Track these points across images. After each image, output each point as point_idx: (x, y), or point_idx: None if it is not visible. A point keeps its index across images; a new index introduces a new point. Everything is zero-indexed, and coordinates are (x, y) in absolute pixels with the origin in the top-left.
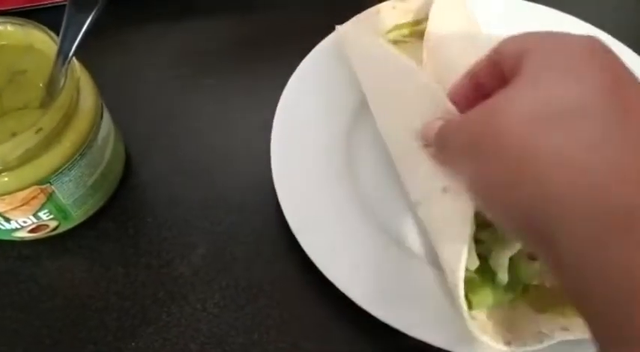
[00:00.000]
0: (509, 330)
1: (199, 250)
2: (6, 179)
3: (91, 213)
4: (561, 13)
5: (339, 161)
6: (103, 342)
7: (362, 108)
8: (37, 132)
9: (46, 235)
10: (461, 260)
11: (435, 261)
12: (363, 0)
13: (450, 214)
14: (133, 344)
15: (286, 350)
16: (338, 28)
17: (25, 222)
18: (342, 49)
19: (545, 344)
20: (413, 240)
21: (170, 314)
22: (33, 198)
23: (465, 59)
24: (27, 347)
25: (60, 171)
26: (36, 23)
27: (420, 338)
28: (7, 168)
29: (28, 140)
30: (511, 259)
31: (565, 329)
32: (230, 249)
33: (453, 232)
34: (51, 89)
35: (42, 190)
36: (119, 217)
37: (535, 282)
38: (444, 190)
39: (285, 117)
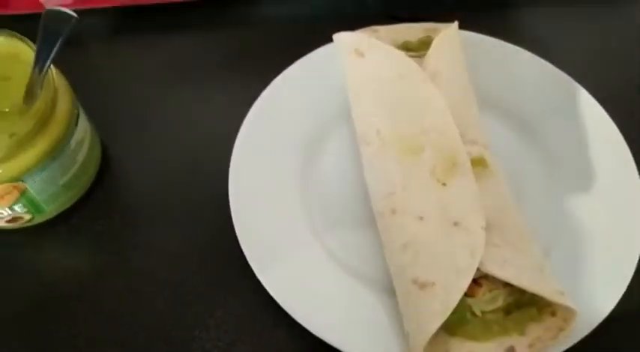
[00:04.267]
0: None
1: (157, 250)
2: None
3: (63, 209)
4: (542, 61)
5: (294, 197)
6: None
7: (319, 139)
8: (10, 136)
9: (22, 226)
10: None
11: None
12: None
13: None
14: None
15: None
16: (340, 36)
17: (1, 213)
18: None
19: None
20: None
21: (123, 304)
22: (7, 193)
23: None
24: None
25: (32, 171)
26: (19, 35)
27: None
28: None
29: (3, 143)
30: None
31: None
32: (187, 251)
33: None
34: (29, 96)
35: (15, 187)
36: (90, 214)
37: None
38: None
39: (246, 140)
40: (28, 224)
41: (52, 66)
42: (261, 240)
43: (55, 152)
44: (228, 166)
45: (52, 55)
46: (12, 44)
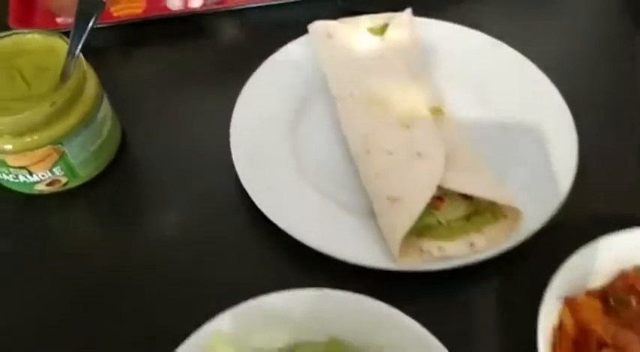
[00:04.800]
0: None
1: (172, 214)
2: (29, 139)
3: (92, 175)
4: (521, 57)
5: (289, 143)
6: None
7: (304, 106)
8: (51, 105)
9: (58, 189)
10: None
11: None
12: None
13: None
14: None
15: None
16: (314, 24)
17: (43, 175)
18: (317, 45)
19: (425, 258)
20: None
21: (140, 258)
22: (48, 155)
23: None
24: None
25: (69, 136)
26: (56, 32)
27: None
28: (31, 131)
29: (46, 110)
30: None
31: (441, 248)
32: (199, 214)
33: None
34: (64, 75)
35: (55, 150)
36: (113, 184)
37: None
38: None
39: (242, 111)
40: (63, 188)
41: (80, 55)
42: (262, 188)
43: (86, 121)
44: (227, 144)
45: (84, 38)
46: (48, 40)
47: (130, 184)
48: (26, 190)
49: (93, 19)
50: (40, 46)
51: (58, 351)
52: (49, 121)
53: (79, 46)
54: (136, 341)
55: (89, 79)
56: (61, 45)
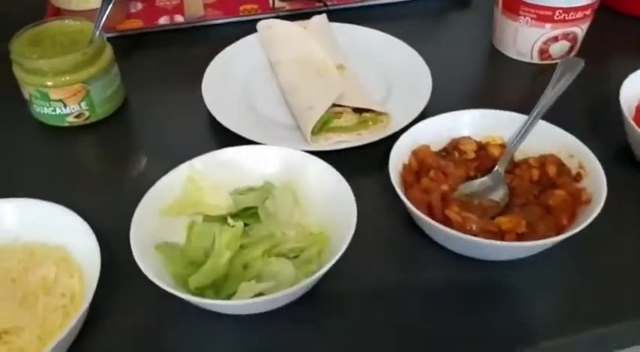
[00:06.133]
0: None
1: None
2: (66, 78)
3: (107, 114)
4: (410, 49)
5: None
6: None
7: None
8: (83, 54)
9: (81, 123)
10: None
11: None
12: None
13: None
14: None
15: None
16: (260, 23)
17: (73, 108)
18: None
19: (328, 143)
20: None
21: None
22: (79, 91)
23: None
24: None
25: (93, 78)
26: (84, 19)
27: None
28: (68, 72)
29: (79, 57)
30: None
31: (339, 136)
32: (178, 148)
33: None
34: (91, 41)
35: (83, 87)
36: (116, 128)
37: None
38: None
39: (210, 76)
40: (85, 122)
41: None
42: (224, 114)
43: (105, 70)
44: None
45: (105, 16)
46: (77, 23)
47: (130, 127)
48: (58, 122)
49: (112, 3)
50: (73, 28)
51: None
52: (80, 66)
53: (102, 21)
54: None
55: (107, 46)
56: (88, 26)
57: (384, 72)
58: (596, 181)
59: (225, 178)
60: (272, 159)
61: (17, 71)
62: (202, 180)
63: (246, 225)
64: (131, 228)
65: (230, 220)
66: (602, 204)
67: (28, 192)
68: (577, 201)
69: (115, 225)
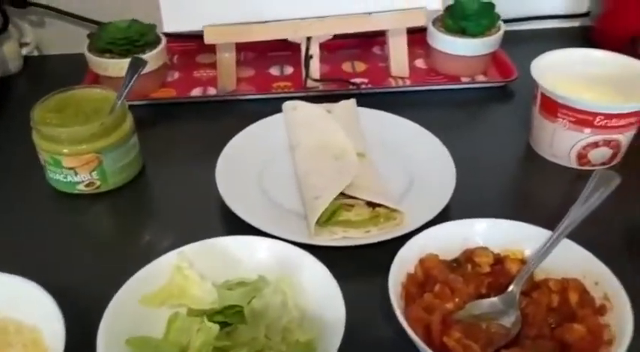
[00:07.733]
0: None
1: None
2: (81, 147)
3: (118, 185)
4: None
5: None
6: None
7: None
8: (101, 124)
9: (92, 191)
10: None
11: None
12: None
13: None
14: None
15: None
16: (286, 103)
17: (84, 177)
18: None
19: (332, 237)
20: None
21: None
22: (92, 160)
23: None
24: (58, 260)
25: (108, 149)
26: (108, 88)
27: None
28: (83, 141)
29: (95, 127)
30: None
31: (345, 231)
32: (184, 219)
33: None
34: (112, 110)
35: (96, 157)
36: (127, 200)
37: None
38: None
39: (226, 156)
40: (96, 190)
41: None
42: (236, 200)
43: (121, 142)
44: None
45: (130, 85)
46: (103, 92)
47: (141, 199)
48: (69, 189)
49: (137, 73)
50: (98, 96)
51: None
52: (96, 136)
53: (126, 91)
54: None
55: (128, 117)
56: (112, 95)
57: (408, 164)
58: (621, 319)
59: (216, 268)
60: (268, 251)
61: (35, 137)
62: (190, 269)
63: (229, 324)
64: (102, 319)
65: (205, 321)
66: (625, 349)
67: (24, 257)
68: (598, 340)
69: (105, 302)
